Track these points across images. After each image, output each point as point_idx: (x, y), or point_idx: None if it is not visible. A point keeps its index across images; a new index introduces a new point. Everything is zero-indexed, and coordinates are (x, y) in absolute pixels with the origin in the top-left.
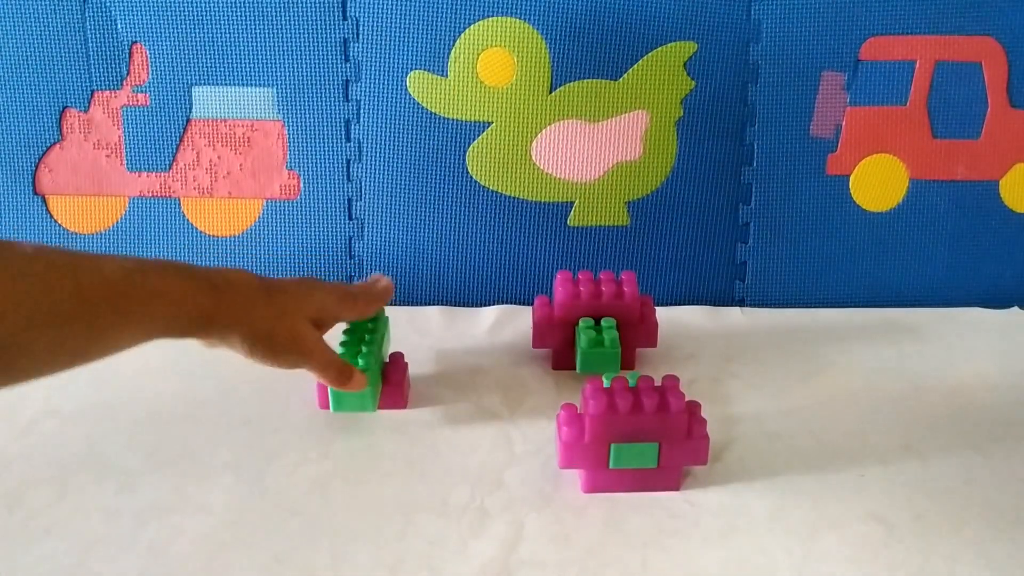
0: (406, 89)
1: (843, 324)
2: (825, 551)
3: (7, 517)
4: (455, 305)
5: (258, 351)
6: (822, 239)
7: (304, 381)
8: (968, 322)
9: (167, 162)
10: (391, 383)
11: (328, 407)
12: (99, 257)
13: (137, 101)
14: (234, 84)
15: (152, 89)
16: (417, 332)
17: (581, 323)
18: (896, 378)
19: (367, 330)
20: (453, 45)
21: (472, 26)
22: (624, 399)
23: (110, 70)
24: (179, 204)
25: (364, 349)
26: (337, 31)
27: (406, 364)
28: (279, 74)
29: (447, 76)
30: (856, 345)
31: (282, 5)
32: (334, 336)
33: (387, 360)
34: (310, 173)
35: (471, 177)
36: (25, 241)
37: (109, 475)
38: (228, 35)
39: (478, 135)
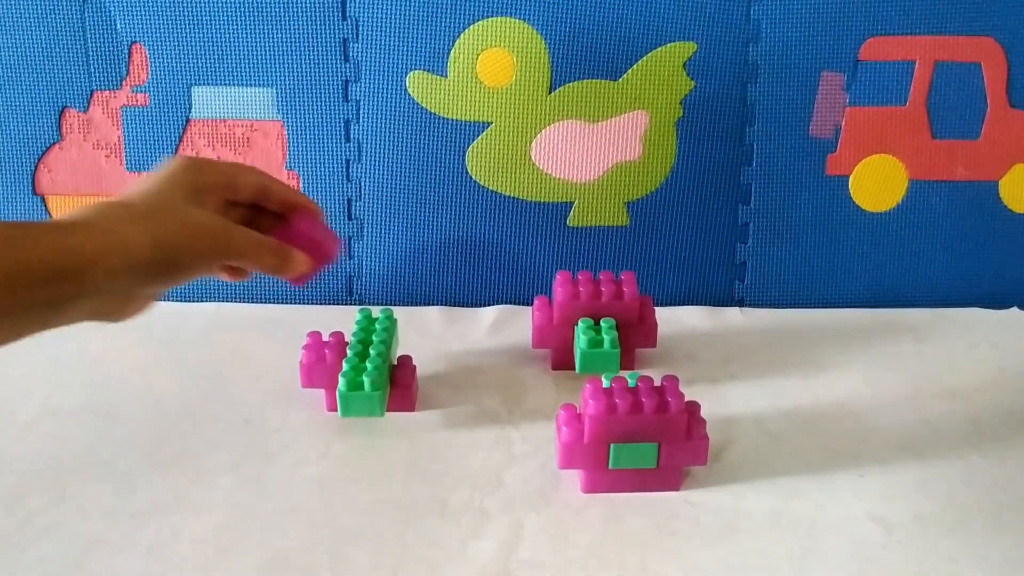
0: (406, 89)
1: (843, 324)
2: (825, 551)
3: (7, 517)
4: (455, 305)
5: (161, 275)
6: (821, 239)
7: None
8: (968, 322)
9: None
10: (400, 386)
11: (335, 411)
12: None
13: (136, 101)
14: (234, 84)
15: (151, 89)
16: (416, 332)
17: (580, 323)
18: (896, 378)
19: (375, 333)
20: (453, 45)
21: (472, 26)
22: (623, 399)
23: (109, 70)
24: None
25: (372, 353)
26: (337, 31)
27: (415, 367)
28: (279, 74)
29: (447, 76)
30: (856, 345)
31: (282, 5)
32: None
33: (395, 363)
34: (310, 173)
35: (471, 177)
36: None
37: (109, 475)
38: (228, 35)
39: (478, 135)
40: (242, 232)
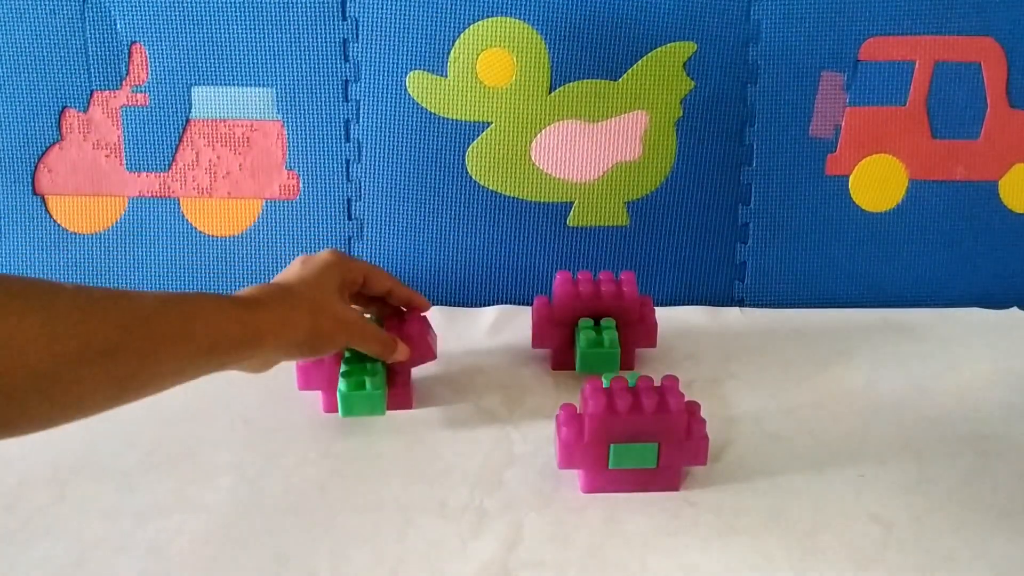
0: (406, 89)
1: (843, 324)
2: (825, 551)
3: (7, 517)
4: (455, 305)
5: (311, 349)
6: (821, 239)
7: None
8: (967, 322)
9: (166, 162)
10: (398, 385)
11: (334, 411)
12: (135, 291)
13: (136, 101)
14: (234, 84)
15: (151, 89)
16: None
17: (580, 323)
18: (896, 378)
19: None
20: (453, 45)
21: (472, 26)
22: (623, 399)
23: (109, 70)
24: (178, 204)
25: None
26: (337, 31)
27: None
28: (279, 74)
29: (447, 76)
30: (856, 345)
31: (282, 5)
32: None
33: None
34: (310, 173)
35: (471, 177)
36: (64, 281)
37: (108, 475)
38: (228, 35)
39: (478, 135)
40: (370, 327)
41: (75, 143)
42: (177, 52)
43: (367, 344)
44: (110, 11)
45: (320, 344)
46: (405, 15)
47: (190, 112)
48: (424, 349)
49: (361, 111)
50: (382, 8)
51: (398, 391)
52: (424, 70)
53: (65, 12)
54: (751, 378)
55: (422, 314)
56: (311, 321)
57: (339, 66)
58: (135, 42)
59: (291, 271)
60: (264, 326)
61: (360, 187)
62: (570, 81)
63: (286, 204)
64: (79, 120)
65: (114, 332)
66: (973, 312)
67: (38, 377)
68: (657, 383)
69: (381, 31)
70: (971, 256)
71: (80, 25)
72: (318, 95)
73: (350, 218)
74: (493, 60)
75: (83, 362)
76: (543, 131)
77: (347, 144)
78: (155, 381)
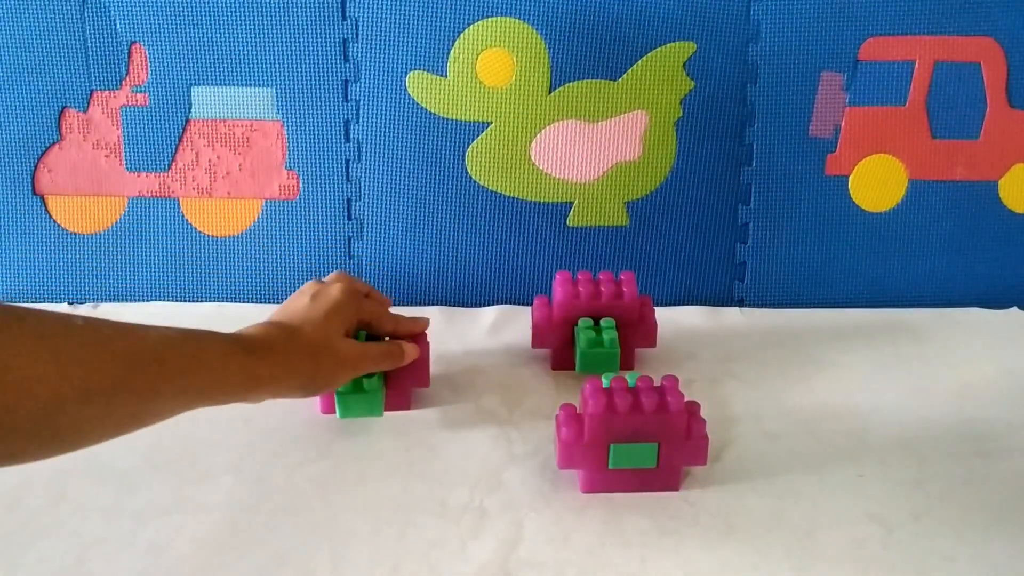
0: (406, 89)
1: (842, 324)
2: (825, 551)
3: (7, 517)
4: (454, 305)
5: (310, 391)
6: (821, 239)
7: None
8: (967, 322)
9: (166, 162)
10: (396, 386)
11: (331, 412)
12: (143, 327)
13: (136, 101)
14: (233, 84)
15: (151, 89)
16: None
17: (580, 323)
18: (895, 378)
19: (369, 332)
20: (452, 45)
21: (471, 26)
22: (623, 399)
23: (109, 70)
24: (178, 204)
25: None
26: (337, 31)
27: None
28: (279, 74)
29: (446, 76)
30: (855, 345)
31: (282, 5)
32: None
33: None
34: (309, 173)
35: (470, 177)
36: (74, 313)
37: (108, 475)
38: (228, 35)
39: (477, 135)
40: (371, 353)
41: (75, 143)
42: (177, 52)
43: (376, 367)
44: (110, 11)
45: (319, 386)
46: (405, 15)
47: (190, 112)
48: (422, 375)
49: (361, 111)
50: (382, 8)
51: (396, 392)
52: (424, 70)
53: (65, 12)
54: (751, 378)
55: (423, 334)
56: (312, 366)
57: (339, 66)
58: (135, 42)
59: (299, 305)
60: (265, 373)
61: (360, 187)
62: (570, 81)
63: (286, 204)
64: (79, 120)
65: (119, 372)
66: (973, 312)
67: (43, 414)
68: (657, 383)
69: (381, 31)
70: (971, 256)
71: (80, 25)
72: (318, 95)
73: (350, 218)
74: (493, 60)
75: (86, 401)
76: (543, 131)
77: (347, 144)
78: (153, 418)
